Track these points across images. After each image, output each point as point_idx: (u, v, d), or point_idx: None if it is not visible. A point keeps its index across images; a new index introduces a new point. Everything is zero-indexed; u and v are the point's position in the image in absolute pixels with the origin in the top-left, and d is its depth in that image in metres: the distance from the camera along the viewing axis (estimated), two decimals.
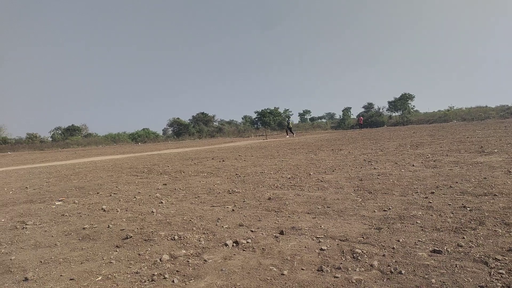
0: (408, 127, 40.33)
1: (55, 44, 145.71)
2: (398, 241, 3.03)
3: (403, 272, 2.43)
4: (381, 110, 66.33)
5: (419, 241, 3.00)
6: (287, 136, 32.53)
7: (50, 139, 55.61)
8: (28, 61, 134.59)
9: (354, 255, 2.79)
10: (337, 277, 2.43)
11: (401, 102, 62.65)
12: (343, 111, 72.66)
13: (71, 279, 2.68)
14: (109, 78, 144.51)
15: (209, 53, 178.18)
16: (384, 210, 4.06)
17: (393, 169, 6.96)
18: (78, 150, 34.68)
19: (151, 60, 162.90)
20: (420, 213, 3.84)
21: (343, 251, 2.90)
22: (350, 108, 73.10)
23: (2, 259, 3.25)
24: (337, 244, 3.07)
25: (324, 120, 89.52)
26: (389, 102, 65.24)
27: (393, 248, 2.88)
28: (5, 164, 18.20)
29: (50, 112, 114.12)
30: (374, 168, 7.28)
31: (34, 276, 2.78)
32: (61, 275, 2.78)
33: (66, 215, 4.86)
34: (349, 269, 2.56)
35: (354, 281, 2.34)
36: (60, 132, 57.53)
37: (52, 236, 3.90)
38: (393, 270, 2.47)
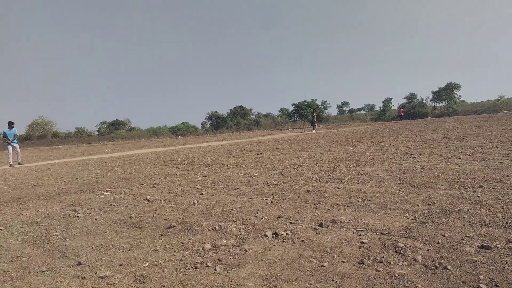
0: (454, 118, 38.38)
1: (100, 43, 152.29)
2: (444, 236, 2.94)
3: (449, 267, 2.35)
4: (424, 101, 63.64)
5: (466, 236, 2.89)
6: (314, 130, 31.41)
7: (97, 133, 58.43)
8: (76, 59, 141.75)
9: (397, 249, 2.73)
10: (378, 271, 2.40)
11: (446, 92, 59.66)
12: (383, 102, 70.40)
13: (120, 265, 2.84)
14: (150, 73, 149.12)
15: (246, 46, 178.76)
16: (428, 204, 3.93)
17: (437, 162, 6.70)
18: (122, 143, 36.22)
19: (189, 55, 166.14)
20: (468, 207, 3.68)
21: (385, 245, 2.85)
22: (391, 99, 70.74)
23: (58, 244, 3.50)
24: (379, 238, 3.02)
25: (363, 112, 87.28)
26: (433, 92, 62.37)
27: (438, 243, 2.79)
28: (57, 156, 19.38)
29: (97, 107, 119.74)
30: (417, 161, 7.03)
31: (87, 261, 2.97)
32: (111, 261, 2.95)
33: (113, 205, 5.13)
34: (391, 263, 2.51)
35: (397, 275, 2.30)
36: (105, 126, 60.24)
37: (102, 224, 4.14)
38: (438, 265, 2.40)
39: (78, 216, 4.60)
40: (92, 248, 3.32)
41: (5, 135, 15.15)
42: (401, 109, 49.69)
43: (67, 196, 6.15)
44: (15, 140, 15.32)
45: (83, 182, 7.76)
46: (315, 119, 33.58)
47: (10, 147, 15.12)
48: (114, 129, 57.73)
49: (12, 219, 4.72)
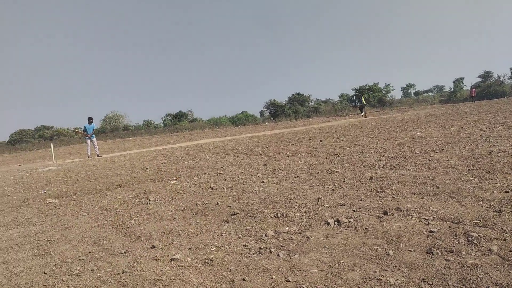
0: None
1: (162, 41, 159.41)
2: None
3: None
4: (501, 79, 57.92)
5: None
6: (362, 115, 30.25)
7: (162, 125, 61.67)
8: (144, 58, 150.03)
9: (469, 238, 2.58)
10: (449, 261, 2.29)
11: None
12: (454, 82, 65.41)
13: (189, 249, 3.02)
14: (211, 66, 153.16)
15: (303, 30, 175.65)
16: (506, 192, 3.63)
17: None
18: (185, 134, 37.85)
19: (247, 45, 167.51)
20: None
21: (455, 234, 2.70)
22: (463, 78, 65.47)
23: (134, 229, 3.80)
24: (449, 227, 2.87)
25: (431, 94, 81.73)
26: None
27: None
28: (128, 148, 20.84)
29: (162, 100, 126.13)
30: (493, 145, 6.48)
31: (159, 244, 3.21)
32: (181, 245, 3.15)
33: (180, 193, 5.43)
34: (463, 252, 2.38)
35: (469, 266, 2.18)
36: (170, 118, 63.29)
37: (171, 211, 4.41)
38: None
39: (149, 203, 4.94)
40: (164, 232, 3.56)
41: (85, 130, 16.63)
42: (473, 89, 46.04)
43: (139, 184, 6.62)
44: (93, 134, 16.74)
45: (152, 171, 8.28)
46: (364, 104, 32.16)
47: (89, 141, 16.57)
48: (178, 121, 60.47)
49: (93, 206, 5.21)
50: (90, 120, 16.82)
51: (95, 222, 4.25)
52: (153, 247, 3.15)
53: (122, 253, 3.07)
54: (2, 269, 2.91)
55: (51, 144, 19.83)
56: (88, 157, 16.18)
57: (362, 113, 30.65)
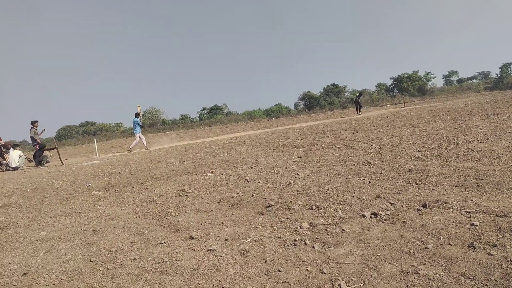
0: None
1: (194, 37, 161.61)
2: None
3: None
4: None
5: None
6: (358, 114, 25.59)
7: (198, 119, 62.86)
8: (179, 54, 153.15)
9: None
10: (491, 255, 2.20)
11: None
12: (500, 68, 61.57)
13: (226, 240, 3.10)
14: (245, 58, 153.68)
15: (337, 20, 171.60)
16: None
17: None
18: (221, 128, 38.37)
19: (281, 36, 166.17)
20: None
21: (499, 228, 2.58)
22: (510, 63, 61.42)
23: (172, 220, 3.94)
24: (492, 220, 2.75)
25: (475, 81, 77.47)
26: None
27: None
28: (166, 142, 21.44)
29: (198, 94, 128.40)
30: None
31: (197, 235, 3.31)
32: (217, 236, 3.24)
33: (216, 185, 5.54)
34: (508, 247, 2.28)
35: None
36: (205, 112, 64.40)
37: (208, 203, 4.52)
38: None
39: (187, 195, 5.09)
40: (201, 224, 3.67)
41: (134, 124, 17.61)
42: None
43: (177, 177, 6.82)
44: (136, 128, 17.45)
45: (189, 164, 8.49)
46: (359, 101, 27.67)
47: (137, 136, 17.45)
48: (213, 114, 61.42)
49: (134, 198, 5.43)
50: (136, 115, 17.67)
51: (136, 214, 4.45)
52: (191, 237, 3.25)
53: (162, 243, 3.20)
54: (52, 257, 3.13)
55: (95, 139, 20.84)
56: (146, 148, 16.94)
57: (358, 113, 26.18)
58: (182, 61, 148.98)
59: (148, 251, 3.03)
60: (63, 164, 13.93)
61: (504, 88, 50.99)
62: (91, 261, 2.93)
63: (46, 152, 14.76)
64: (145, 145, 17.12)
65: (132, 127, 17.35)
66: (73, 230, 3.98)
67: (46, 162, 14.42)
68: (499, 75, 61.47)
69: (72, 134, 60.64)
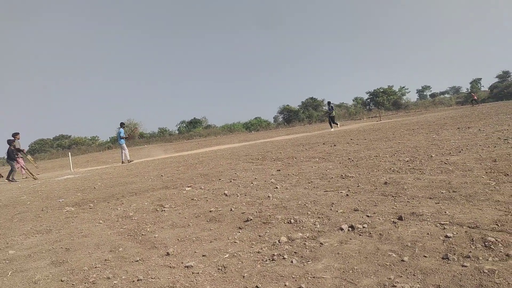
0: None
1: (175, 49, 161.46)
2: None
3: None
4: None
5: None
6: (332, 129, 23.01)
7: (177, 132, 62.29)
8: (156, 65, 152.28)
9: (486, 243, 2.52)
10: (465, 266, 2.25)
11: None
12: (471, 83, 64.28)
13: (203, 255, 3.04)
14: (224, 72, 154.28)
15: (316, 36, 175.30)
16: None
17: None
18: (200, 141, 38.14)
19: (259, 51, 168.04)
20: None
21: (472, 239, 2.65)
22: (480, 79, 64.25)
23: (148, 236, 3.85)
24: (465, 232, 2.81)
25: (447, 96, 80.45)
26: None
27: None
28: (144, 155, 21.11)
29: (177, 107, 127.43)
30: None
31: (174, 251, 3.24)
32: (195, 252, 3.17)
33: (195, 199, 5.47)
34: (480, 258, 2.33)
35: (486, 271, 2.14)
36: (184, 125, 63.92)
37: (185, 218, 4.45)
38: None
39: (164, 210, 5.00)
40: (178, 239, 3.59)
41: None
42: (473, 94, 46.65)
43: (154, 191, 6.70)
44: (120, 139, 17.20)
45: (167, 178, 8.37)
46: (333, 114, 24.14)
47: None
48: (193, 128, 61.02)
49: (109, 213, 5.29)
50: (121, 125, 17.54)
51: (111, 230, 4.32)
52: (168, 254, 3.18)
53: (137, 261, 3.11)
54: (20, 277, 2.99)
55: (69, 153, 20.28)
56: (122, 162, 16.63)
57: (332, 128, 23.55)
58: (161, 74, 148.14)
59: (123, 269, 2.94)
60: (35, 179, 13.48)
61: (474, 103, 53.05)
62: (61, 280, 2.81)
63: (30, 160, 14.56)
64: (123, 159, 16.78)
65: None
66: (43, 248, 3.82)
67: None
68: (469, 90, 63.99)
69: (45, 148, 58.84)
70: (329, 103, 24.59)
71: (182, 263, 2.91)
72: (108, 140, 58.76)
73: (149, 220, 4.54)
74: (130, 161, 16.26)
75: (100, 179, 10.24)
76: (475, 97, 44.71)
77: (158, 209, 5.12)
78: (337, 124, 24.33)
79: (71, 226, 4.74)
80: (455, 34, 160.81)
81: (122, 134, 17.04)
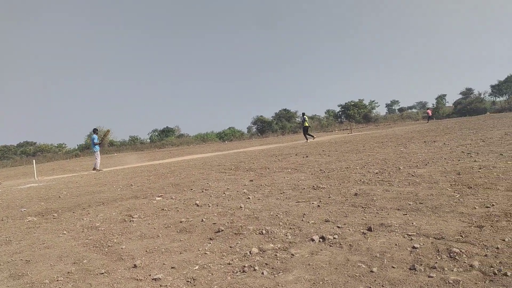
0: None
1: (146, 54, 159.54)
2: (503, 240, 2.74)
3: (508, 274, 2.20)
4: (482, 96, 59.74)
5: None
6: (308, 140, 22.19)
7: (149, 140, 61.18)
8: (130, 72, 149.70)
9: (451, 254, 2.60)
10: (431, 277, 2.30)
11: (507, 85, 55.67)
12: (436, 99, 67.13)
13: (172, 267, 2.96)
14: (198, 81, 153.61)
15: (288, 49, 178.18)
16: (487, 207, 3.69)
17: (497, 161, 6.25)
18: (172, 150, 37.59)
19: (235, 60, 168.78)
20: None
21: (438, 250, 2.72)
22: (445, 95, 67.28)
23: (115, 248, 3.72)
24: (431, 243, 2.89)
25: (414, 110, 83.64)
26: (492, 86, 58.54)
27: (497, 248, 2.61)
28: (113, 164, 20.54)
29: (149, 116, 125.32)
30: (475, 161, 6.61)
31: (141, 263, 3.13)
32: (163, 264, 3.09)
33: (165, 210, 5.35)
34: (445, 268, 2.40)
35: (451, 282, 2.19)
36: (156, 133, 62.88)
37: (155, 228, 4.33)
38: (496, 272, 2.25)
39: (133, 221, 4.85)
40: (146, 251, 3.49)
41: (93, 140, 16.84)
42: (429, 110, 49.92)
43: (122, 201, 6.51)
44: (94, 146, 16.75)
45: (137, 188, 8.16)
46: (306, 124, 23.19)
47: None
48: (165, 136, 60.13)
49: (74, 224, 5.08)
50: (94, 131, 17.22)
51: (76, 241, 4.15)
52: (135, 266, 3.07)
53: (102, 273, 2.98)
54: None
55: (34, 161, 19.41)
56: (97, 170, 16.21)
57: (308, 140, 22.63)
58: (133, 81, 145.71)
59: (86, 282, 2.81)
60: None
61: (439, 118, 55.40)
62: None
63: None
64: (97, 166, 16.27)
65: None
66: (2, 261, 3.61)
67: None
68: (435, 105, 66.71)
69: (8, 155, 56.17)
70: (303, 114, 24.39)
71: (150, 275, 2.82)
72: (76, 147, 56.98)
73: (117, 231, 4.40)
74: (99, 170, 15.75)
75: (66, 188, 9.86)
76: (430, 113, 47.55)
77: (126, 220, 4.97)
78: (312, 136, 23.50)
79: (32, 237, 4.52)
80: (421, 52, 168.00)
81: (96, 140, 16.64)
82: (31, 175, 17.53)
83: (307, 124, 23.28)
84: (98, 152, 16.53)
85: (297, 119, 65.46)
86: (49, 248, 3.94)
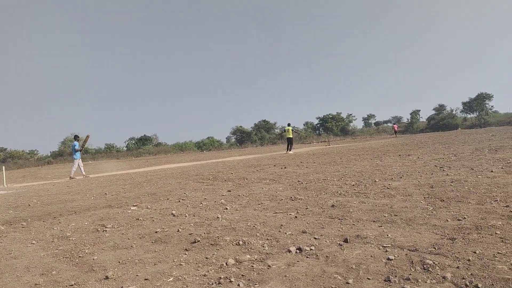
0: (486, 129, 37.09)
1: (125, 60, 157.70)
2: (475, 252, 2.82)
3: (479, 286, 2.25)
4: (454, 112, 62.00)
5: (498, 253, 2.76)
6: (290, 152, 21.95)
7: (125, 149, 60.04)
8: (106, 78, 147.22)
9: (425, 266, 2.65)
10: None
11: (477, 103, 58.08)
12: (411, 114, 69.14)
13: (145, 279, 2.88)
14: (177, 90, 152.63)
15: (268, 60, 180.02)
16: (459, 220, 3.79)
17: (468, 175, 6.46)
18: (149, 159, 37.01)
19: (214, 71, 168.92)
20: (500, 223, 3.53)
21: (412, 262, 2.76)
22: (419, 110, 69.38)
23: (86, 258, 3.59)
24: (406, 254, 2.94)
25: (390, 124, 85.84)
26: (464, 103, 60.91)
27: (469, 260, 2.68)
28: (87, 172, 19.99)
29: (125, 123, 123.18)
30: (447, 175, 6.81)
31: (113, 275, 3.03)
32: (137, 275, 3.00)
33: (140, 219, 5.23)
34: (419, 280, 2.43)
35: None
36: (133, 142, 61.84)
37: (129, 239, 4.22)
38: (468, 283, 2.30)
39: (106, 231, 4.71)
40: (119, 262, 3.39)
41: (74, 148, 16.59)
42: (395, 125, 52.41)
43: (96, 210, 6.33)
44: (75, 153, 16.52)
45: (111, 197, 7.96)
46: (289, 135, 23.06)
47: (80, 160, 16.39)
48: (142, 145, 59.20)
49: (43, 233, 4.89)
50: (75, 138, 17.01)
51: (45, 251, 3.98)
52: (106, 278, 2.97)
53: (72, 285, 2.87)
54: None
55: (3, 167, 18.66)
56: (84, 176, 15.96)
57: (288, 151, 22.37)
58: (110, 88, 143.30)
59: None
60: None
61: (414, 132, 57.04)
62: None
63: None
64: (83, 172, 15.98)
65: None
66: None
67: None
68: (409, 120, 68.68)
69: None
70: (288, 124, 23.91)
71: (122, 287, 2.73)
72: (49, 154, 55.26)
73: (88, 241, 4.25)
74: (72, 178, 15.33)
75: (37, 196, 9.51)
76: (396, 129, 49.63)
77: (99, 229, 4.82)
78: (290, 150, 22.54)
79: None
80: (398, 67, 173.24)
81: (76, 147, 16.46)
82: (0, 182, 16.83)
83: (290, 135, 22.91)
84: (79, 159, 16.29)
85: (276, 130, 65.87)
86: (16, 258, 3.77)
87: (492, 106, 59.50)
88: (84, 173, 16.15)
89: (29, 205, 7.69)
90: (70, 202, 7.68)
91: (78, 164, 16.17)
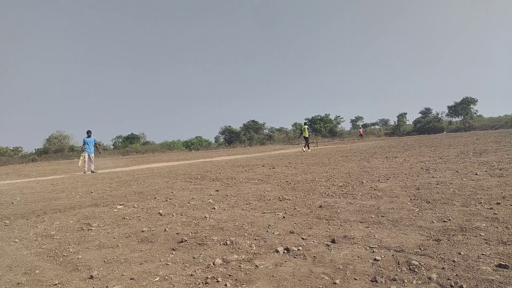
0: (471, 133, 37.78)
1: (115, 59, 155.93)
2: (459, 253, 2.86)
3: (464, 286, 2.29)
4: (439, 116, 62.98)
5: (482, 254, 2.81)
6: (308, 149, 22.34)
7: (112, 147, 59.29)
8: (94, 76, 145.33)
9: (411, 267, 2.67)
10: None
11: (462, 107, 59.09)
12: (398, 117, 70.00)
13: (131, 279, 2.84)
14: (165, 88, 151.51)
15: (260, 61, 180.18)
16: (444, 221, 3.84)
17: (453, 178, 6.57)
18: (136, 157, 36.64)
19: (204, 70, 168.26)
20: (484, 224, 3.59)
21: (398, 262, 2.79)
22: (406, 113, 70.20)
23: (71, 257, 3.53)
24: (392, 255, 2.96)
25: (377, 127, 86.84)
26: (449, 107, 61.90)
27: (454, 261, 2.72)
28: (73, 170, 19.69)
29: (113, 122, 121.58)
30: (433, 177, 6.91)
31: (98, 274, 2.99)
32: (122, 275, 2.96)
33: (126, 218, 5.16)
34: (405, 281, 2.46)
35: None
36: (121, 140, 61.08)
37: (114, 238, 4.16)
38: (453, 284, 2.33)
39: (91, 230, 4.64)
40: (104, 261, 3.34)
41: (85, 143, 16.63)
42: (360, 129, 53.42)
43: (81, 209, 6.23)
44: (93, 148, 16.71)
45: (97, 195, 7.85)
46: (306, 134, 23.54)
47: (87, 155, 16.43)
48: (129, 143, 58.51)
49: (27, 231, 4.79)
50: (88, 133, 16.74)
51: (28, 250, 3.90)
52: (91, 277, 2.92)
53: (56, 284, 2.82)
54: None
55: None
56: (84, 172, 15.90)
57: (305, 148, 22.54)
58: (98, 85, 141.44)
59: None
60: None
61: (400, 135, 57.75)
62: None
63: None
64: (85, 168, 16.18)
65: (91, 146, 16.34)
66: None
67: None
68: (396, 123, 69.48)
69: None
70: (305, 123, 26.05)
71: (107, 287, 2.69)
72: (34, 151, 54.22)
73: (73, 240, 4.18)
74: (94, 172, 15.59)
75: (20, 193, 9.31)
76: (361, 133, 50.86)
77: (84, 228, 4.75)
78: (303, 149, 22.42)
79: None
80: (385, 70, 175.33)
81: (95, 142, 16.95)
82: None
83: (306, 135, 23.41)
84: (87, 153, 16.51)
85: (264, 130, 65.89)
86: None
87: (476, 110, 60.62)
88: (86, 169, 16.27)
89: (13, 202, 7.53)
90: (55, 200, 7.55)
91: (90, 159, 16.35)
